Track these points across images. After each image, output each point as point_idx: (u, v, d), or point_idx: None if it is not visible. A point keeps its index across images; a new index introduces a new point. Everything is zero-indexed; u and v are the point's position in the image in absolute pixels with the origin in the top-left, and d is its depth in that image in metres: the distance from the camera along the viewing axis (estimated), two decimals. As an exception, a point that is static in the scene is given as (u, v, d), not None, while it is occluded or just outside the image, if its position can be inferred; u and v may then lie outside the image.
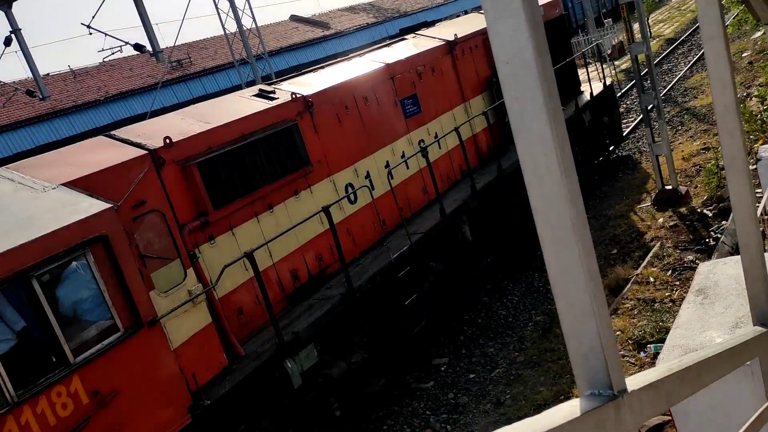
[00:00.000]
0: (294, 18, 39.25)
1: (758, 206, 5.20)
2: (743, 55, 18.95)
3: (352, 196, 8.00)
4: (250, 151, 6.74)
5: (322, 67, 8.75)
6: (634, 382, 1.19)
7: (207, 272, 6.11)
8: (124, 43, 14.99)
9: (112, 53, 15.59)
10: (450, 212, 8.59)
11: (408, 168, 8.99)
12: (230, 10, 18.31)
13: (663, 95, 18.12)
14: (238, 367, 5.91)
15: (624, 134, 15.39)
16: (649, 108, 11.21)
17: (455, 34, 10.30)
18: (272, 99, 7.36)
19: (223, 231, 6.44)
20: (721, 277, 4.37)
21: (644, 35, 10.08)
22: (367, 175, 8.31)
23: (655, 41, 27.69)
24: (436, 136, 9.40)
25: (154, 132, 6.16)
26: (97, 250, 4.68)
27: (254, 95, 7.45)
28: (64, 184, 4.97)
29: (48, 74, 30.55)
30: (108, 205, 4.84)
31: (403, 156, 8.77)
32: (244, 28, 18.53)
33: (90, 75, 31.14)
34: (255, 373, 5.86)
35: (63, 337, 4.46)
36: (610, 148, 14.69)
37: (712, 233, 8.72)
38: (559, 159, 1.01)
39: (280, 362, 6.15)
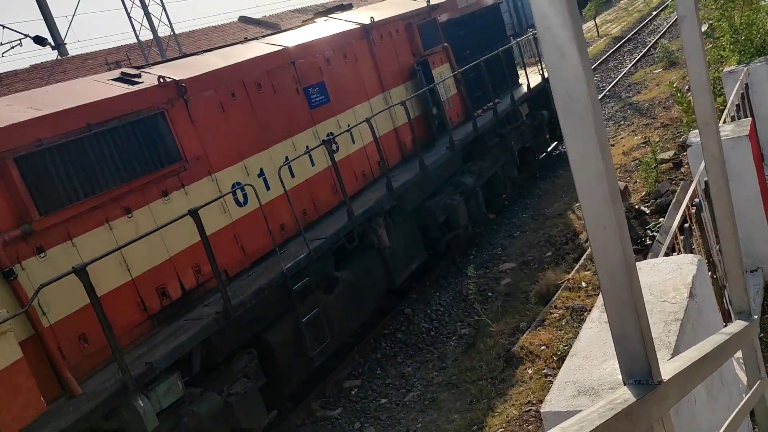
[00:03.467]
0: (243, 19, 38.00)
1: (686, 196, 4.34)
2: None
3: (241, 198, 6.89)
4: (97, 143, 5.57)
5: (209, 50, 7.63)
6: None
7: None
8: (23, 36, 13.53)
9: (12, 47, 14.10)
10: (359, 214, 7.56)
11: (314, 165, 7.93)
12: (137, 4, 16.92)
13: (608, 90, 17.59)
14: (67, 411, 4.72)
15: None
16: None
17: (372, 18, 9.32)
18: (135, 84, 6.21)
19: (60, 242, 5.25)
20: (634, 286, 3.45)
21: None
22: (261, 173, 7.21)
23: (602, 39, 27.47)
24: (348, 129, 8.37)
25: (-39, 120, 4.95)
26: None
27: (114, 79, 6.28)
28: None
29: (-29, 78, 28.49)
30: None
31: (307, 150, 7.70)
32: (160, 34, 17.18)
33: (19, 78, 29.20)
34: (88, 418, 4.69)
35: None
36: (553, 144, 13.99)
37: (648, 231, 7.93)
38: None
39: (128, 400, 5.00)
